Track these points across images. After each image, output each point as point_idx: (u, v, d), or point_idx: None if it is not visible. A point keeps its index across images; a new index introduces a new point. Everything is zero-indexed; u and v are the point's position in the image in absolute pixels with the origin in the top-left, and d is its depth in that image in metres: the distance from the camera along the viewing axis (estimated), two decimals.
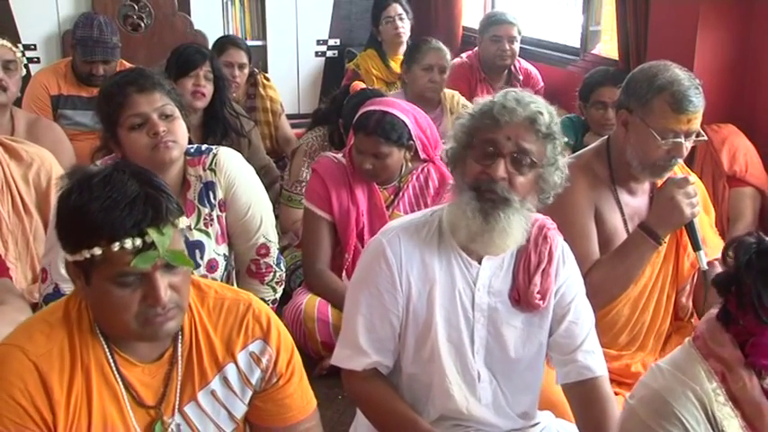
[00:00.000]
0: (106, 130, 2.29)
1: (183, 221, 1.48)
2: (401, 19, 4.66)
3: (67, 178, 1.47)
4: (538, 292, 1.87)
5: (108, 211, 1.38)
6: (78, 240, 1.41)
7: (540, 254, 1.88)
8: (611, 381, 2.06)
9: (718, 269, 2.38)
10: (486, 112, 1.79)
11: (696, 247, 2.28)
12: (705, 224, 2.43)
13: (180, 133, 2.25)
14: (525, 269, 1.87)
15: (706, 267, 2.27)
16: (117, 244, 1.37)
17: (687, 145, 2.24)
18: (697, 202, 2.27)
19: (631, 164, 2.30)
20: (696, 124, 2.23)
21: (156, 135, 2.19)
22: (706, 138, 2.33)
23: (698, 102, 2.21)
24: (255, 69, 4.40)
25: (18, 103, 3.59)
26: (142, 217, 1.39)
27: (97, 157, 2.41)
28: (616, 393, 2.08)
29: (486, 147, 1.78)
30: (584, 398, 1.90)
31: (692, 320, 2.49)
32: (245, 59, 4.07)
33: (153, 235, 1.39)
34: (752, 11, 3.31)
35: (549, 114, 1.80)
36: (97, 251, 1.39)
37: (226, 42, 4.15)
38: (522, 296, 1.88)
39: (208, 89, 3.39)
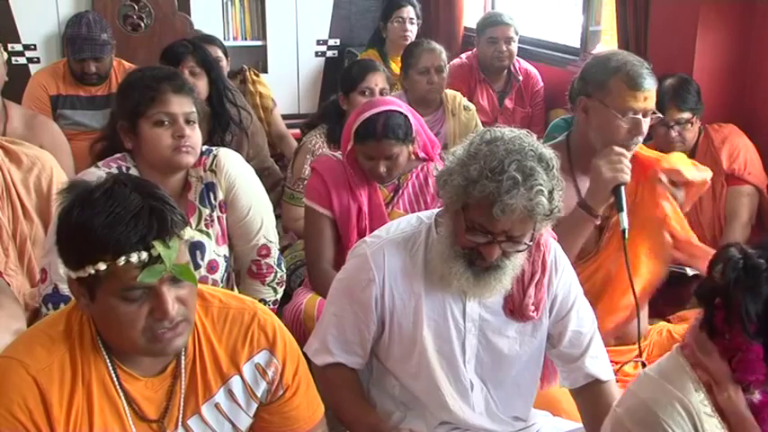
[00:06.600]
0: (125, 118, 2.27)
1: (189, 232, 1.45)
2: (411, 23, 4.71)
3: (66, 192, 1.43)
4: (532, 304, 1.86)
5: (112, 225, 1.35)
6: (82, 256, 1.38)
7: (533, 264, 1.86)
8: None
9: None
10: (485, 205, 1.66)
11: (619, 209, 2.26)
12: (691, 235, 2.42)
13: (197, 141, 2.28)
14: (519, 280, 1.85)
15: (625, 227, 2.24)
16: (123, 258, 1.34)
17: (645, 124, 2.30)
18: (621, 169, 2.23)
19: (596, 148, 2.32)
20: (651, 103, 2.30)
21: (180, 138, 2.21)
22: (661, 115, 2.39)
23: (651, 80, 2.29)
24: (244, 66, 4.40)
25: (17, 103, 3.59)
26: (147, 230, 1.36)
27: (96, 149, 2.40)
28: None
29: (478, 228, 1.70)
30: (591, 401, 1.92)
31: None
32: (219, 53, 4.04)
33: (159, 248, 1.36)
34: (752, 11, 3.31)
35: (549, 194, 1.67)
36: (102, 266, 1.35)
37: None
38: (516, 308, 1.87)
39: (198, 85, 3.32)
